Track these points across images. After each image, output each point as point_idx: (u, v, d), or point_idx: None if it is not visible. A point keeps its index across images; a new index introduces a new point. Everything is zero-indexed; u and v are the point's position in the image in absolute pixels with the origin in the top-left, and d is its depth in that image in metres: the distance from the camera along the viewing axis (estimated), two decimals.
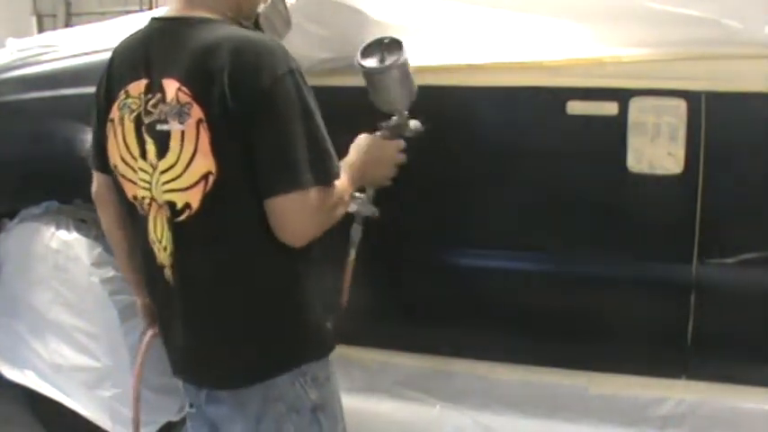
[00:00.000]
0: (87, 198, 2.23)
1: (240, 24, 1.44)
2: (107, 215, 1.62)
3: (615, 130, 1.82)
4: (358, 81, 1.69)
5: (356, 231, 1.75)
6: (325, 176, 1.34)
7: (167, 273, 1.42)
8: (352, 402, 2.06)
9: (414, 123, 1.72)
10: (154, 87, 1.37)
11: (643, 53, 1.82)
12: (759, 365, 1.87)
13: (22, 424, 2.52)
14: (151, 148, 1.38)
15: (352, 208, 1.66)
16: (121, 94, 1.42)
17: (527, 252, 1.99)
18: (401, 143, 1.68)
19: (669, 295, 1.89)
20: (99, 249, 2.18)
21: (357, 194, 1.67)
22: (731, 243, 1.82)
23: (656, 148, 1.81)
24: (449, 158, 1.95)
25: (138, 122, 1.39)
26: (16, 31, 5.42)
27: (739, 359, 1.87)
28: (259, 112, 1.30)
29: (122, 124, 1.41)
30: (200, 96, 1.31)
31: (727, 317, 1.85)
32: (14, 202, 2.38)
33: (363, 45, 1.67)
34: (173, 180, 1.35)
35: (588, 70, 1.84)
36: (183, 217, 1.36)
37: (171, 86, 1.34)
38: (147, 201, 1.41)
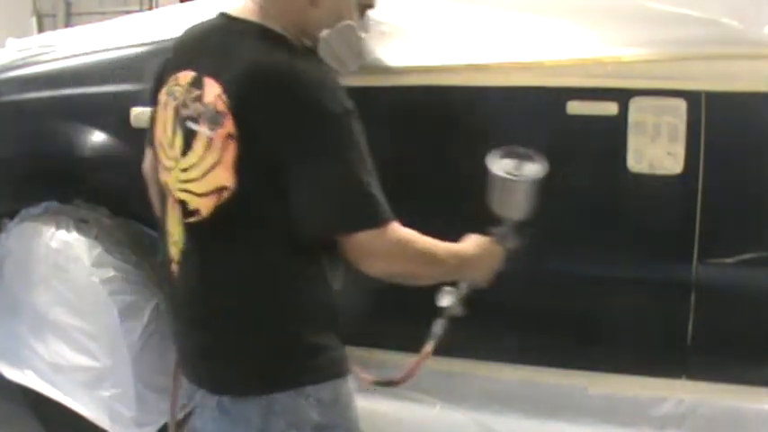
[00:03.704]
0: (87, 198, 2.27)
1: (302, 44, 1.39)
2: (153, 192, 1.58)
3: (615, 130, 1.82)
4: (359, 81, 1.69)
5: (439, 326, 1.64)
6: (375, 219, 1.31)
7: (174, 267, 1.41)
8: None
9: (515, 240, 1.64)
10: (197, 83, 1.34)
11: (643, 53, 1.82)
12: (759, 365, 1.87)
13: (22, 424, 2.52)
14: (179, 141, 1.35)
15: (445, 302, 1.63)
16: (171, 80, 1.39)
17: (526, 252, 1.98)
18: (502, 252, 1.61)
19: (669, 295, 1.89)
20: (99, 249, 2.18)
21: (449, 288, 1.63)
22: (731, 243, 1.82)
23: (656, 148, 1.81)
24: (449, 158, 1.95)
25: (176, 112, 1.37)
26: (16, 31, 5.43)
27: (739, 359, 1.87)
28: (301, 147, 1.26)
29: (165, 109, 1.39)
30: (238, 112, 1.26)
31: (727, 317, 1.85)
32: (14, 202, 2.37)
33: (501, 148, 1.61)
34: (189, 181, 1.33)
35: (588, 70, 1.84)
36: (192, 219, 1.34)
37: (212, 89, 1.30)
38: (168, 190, 1.40)
